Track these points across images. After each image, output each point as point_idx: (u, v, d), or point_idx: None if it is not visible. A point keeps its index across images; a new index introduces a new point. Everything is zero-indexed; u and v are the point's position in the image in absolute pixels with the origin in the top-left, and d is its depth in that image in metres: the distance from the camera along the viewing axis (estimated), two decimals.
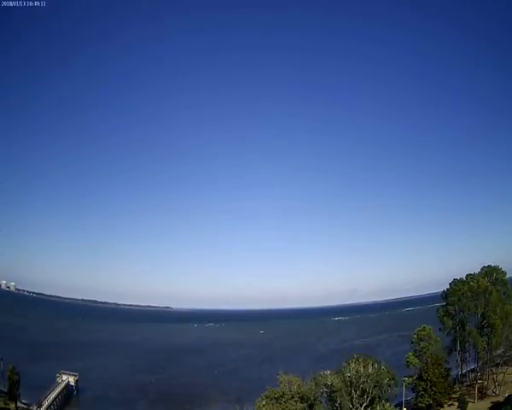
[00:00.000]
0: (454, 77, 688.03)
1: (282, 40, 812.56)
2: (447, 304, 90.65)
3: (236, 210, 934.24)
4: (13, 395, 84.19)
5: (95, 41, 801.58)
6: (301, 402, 68.30)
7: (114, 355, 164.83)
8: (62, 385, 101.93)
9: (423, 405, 78.61)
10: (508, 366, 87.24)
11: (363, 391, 70.61)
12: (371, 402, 71.80)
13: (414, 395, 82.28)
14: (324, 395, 72.73)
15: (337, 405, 71.29)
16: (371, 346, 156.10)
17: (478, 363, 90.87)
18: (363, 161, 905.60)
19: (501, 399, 78.38)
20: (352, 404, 70.67)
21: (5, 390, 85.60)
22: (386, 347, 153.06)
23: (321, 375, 72.68)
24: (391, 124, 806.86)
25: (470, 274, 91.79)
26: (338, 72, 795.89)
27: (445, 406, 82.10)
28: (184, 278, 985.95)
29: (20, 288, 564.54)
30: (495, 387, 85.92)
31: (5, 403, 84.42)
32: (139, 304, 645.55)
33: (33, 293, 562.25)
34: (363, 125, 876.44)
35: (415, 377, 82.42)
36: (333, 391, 70.98)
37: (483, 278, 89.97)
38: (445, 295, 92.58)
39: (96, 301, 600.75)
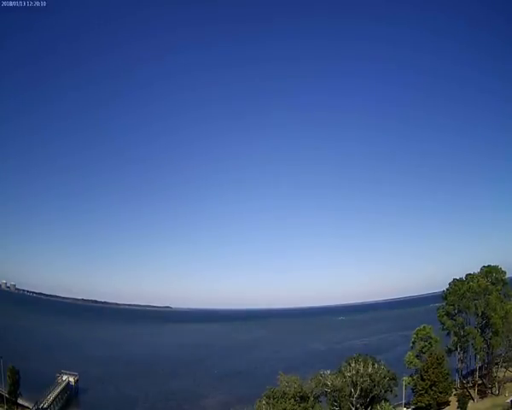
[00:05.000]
0: (464, 71, 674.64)
1: (282, 49, 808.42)
2: (447, 304, 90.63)
3: (237, 210, 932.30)
4: (14, 399, 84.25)
5: (96, 45, 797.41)
6: (301, 402, 68.26)
7: (114, 355, 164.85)
8: (62, 385, 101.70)
9: (423, 405, 78.61)
10: (508, 365, 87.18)
11: (363, 391, 70.72)
12: (371, 402, 71.93)
13: (414, 394, 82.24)
14: (324, 394, 72.81)
15: (337, 405, 71.43)
16: (371, 346, 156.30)
17: (478, 363, 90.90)
18: (363, 162, 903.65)
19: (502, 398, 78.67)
20: (352, 404, 70.77)
21: (6, 391, 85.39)
22: (386, 347, 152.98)
23: (321, 375, 72.74)
24: (392, 123, 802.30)
25: (470, 274, 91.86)
26: (340, 73, 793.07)
27: (446, 406, 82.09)
28: (184, 278, 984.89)
29: (20, 288, 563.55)
30: (495, 387, 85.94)
31: (10, 407, 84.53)
32: (139, 304, 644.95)
33: (33, 293, 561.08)
34: (364, 125, 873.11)
35: (415, 377, 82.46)
36: (333, 391, 71.10)
37: (483, 277, 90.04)
38: (444, 295, 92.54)
39: (96, 301, 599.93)
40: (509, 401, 77.75)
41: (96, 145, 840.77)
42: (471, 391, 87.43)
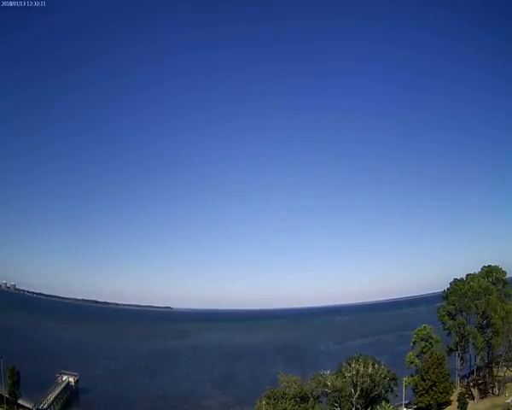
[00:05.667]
0: (464, 71, 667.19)
1: (282, 51, 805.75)
2: (448, 304, 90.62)
3: (237, 211, 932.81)
4: (14, 400, 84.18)
5: (97, 46, 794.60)
6: (301, 403, 68.18)
7: (114, 355, 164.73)
8: (62, 385, 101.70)
9: (423, 405, 78.53)
10: (509, 365, 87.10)
11: (364, 391, 70.63)
12: (371, 403, 71.84)
13: (414, 395, 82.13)
14: (324, 395, 72.72)
15: (337, 405, 71.35)
16: (371, 346, 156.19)
17: (479, 363, 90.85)
18: (363, 162, 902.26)
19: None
20: (353, 404, 70.68)
21: (6, 391, 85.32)
22: (386, 347, 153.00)
23: (321, 375, 72.67)
24: (392, 123, 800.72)
25: (470, 274, 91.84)
26: (340, 74, 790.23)
27: (446, 405, 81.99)
28: (185, 279, 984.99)
29: (20, 288, 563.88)
30: (496, 387, 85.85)
31: (10, 408, 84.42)
32: (139, 304, 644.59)
33: (33, 293, 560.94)
34: (364, 126, 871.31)
35: (415, 378, 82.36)
36: (333, 391, 71.02)
37: (483, 277, 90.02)
38: (445, 294, 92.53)
39: (96, 301, 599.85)
40: (509, 400, 77.64)
41: (97, 147, 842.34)
42: (472, 391, 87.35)
